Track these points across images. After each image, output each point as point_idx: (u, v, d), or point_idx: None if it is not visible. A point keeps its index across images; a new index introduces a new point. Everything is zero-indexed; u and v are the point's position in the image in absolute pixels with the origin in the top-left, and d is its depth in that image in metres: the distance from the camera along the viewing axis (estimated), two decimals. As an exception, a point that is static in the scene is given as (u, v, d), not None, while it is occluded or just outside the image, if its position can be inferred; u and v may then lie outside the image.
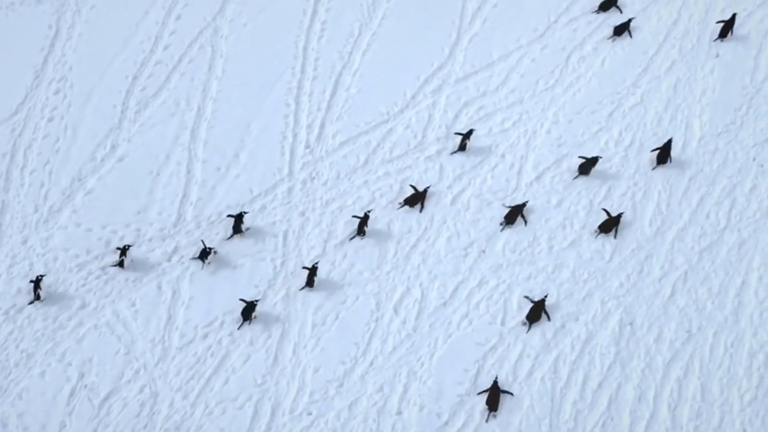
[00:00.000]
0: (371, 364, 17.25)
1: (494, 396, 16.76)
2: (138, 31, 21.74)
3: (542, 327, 17.65)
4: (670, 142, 19.67)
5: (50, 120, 20.35)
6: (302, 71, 21.15)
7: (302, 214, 19.04)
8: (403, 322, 17.70)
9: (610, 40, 21.74)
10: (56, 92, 20.77)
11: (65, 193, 19.29)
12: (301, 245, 18.64)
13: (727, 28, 21.60)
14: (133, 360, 17.24)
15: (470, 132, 19.87)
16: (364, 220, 18.65)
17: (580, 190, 19.37)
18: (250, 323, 17.61)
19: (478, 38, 21.79)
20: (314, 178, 19.52)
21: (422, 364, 17.24)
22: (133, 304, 17.88)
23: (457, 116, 20.50)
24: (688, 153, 19.85)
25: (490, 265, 18.40)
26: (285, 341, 17.50)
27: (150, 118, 20.38)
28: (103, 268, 18.14)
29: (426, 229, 18.85)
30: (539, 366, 17.20)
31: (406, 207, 19.02)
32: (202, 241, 18.36)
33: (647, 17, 22.11)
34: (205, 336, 17.54)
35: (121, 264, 18.12)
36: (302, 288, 18.05)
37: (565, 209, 19.11)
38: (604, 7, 22.24)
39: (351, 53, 21.48)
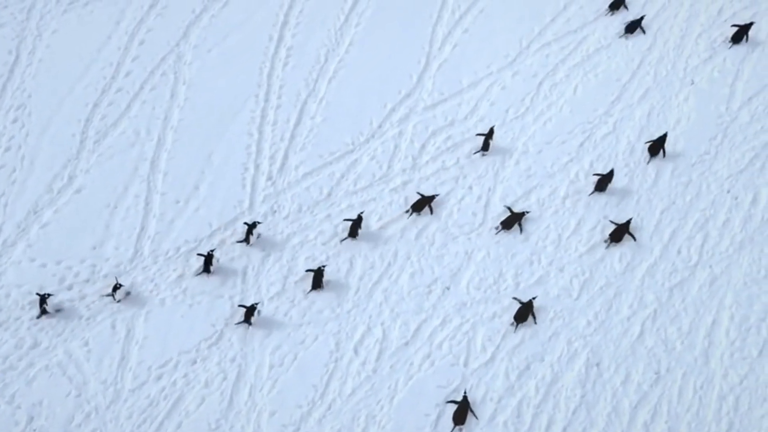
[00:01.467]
0: (329, 407, 16.72)
1: (462, 411, 16.36)
2: (99, 57, 21.23)
3: (506, 367, 17.12)
4: (665, 135, 19.44)
5: (7, 150, 19.83)
6: (266, 99, 20.62)
7: (262, 249, 18.51)
8: (363, 363, 17.18)
9: (623, 38, 21.54)
10: (14, 121, 20.25)
11: (20, 226, 18.77)
12: (260, 282, 18.11)
13: (742, 33, 21.20)
14: (84, 403, 16.72)
15: (491, 130, 19.52)
16: (357, 222, 18.36)
17: (548, 224, 18.84)
18: (249, 326, 17.44)
19: (448, 64, 21.26)
20: (275, 211, 19.00)
21: (381, 408, 16.71)
22: (86, 344, 17.36)
23: (424, 146, 19.97)
24: (660, 185, 19.31)
25: (454, 303, 17.87)
26: (241, 383, 16.98)
27: (109, 148, 19.86)
28: (57, 310, 17.65)
29: (389, 265, 18.32)
30: (502, 410, 16.67)
31: (414, 214, 18.88)
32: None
33: (622, 43, 21.57)
34: (159, 377, 17.02)
35: (116, 289, 17.74)
36: (309, 291, 17.78)
37: (533, 244, 18.58)
38: (613, 7, 21.99)
39: (317, 80, 20.95)
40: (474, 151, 19.78)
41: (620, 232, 18.54)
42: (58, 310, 17.66)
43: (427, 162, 19.71)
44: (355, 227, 18.48)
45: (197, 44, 21.49)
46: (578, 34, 21.74)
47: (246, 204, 19.08)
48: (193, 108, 20.45)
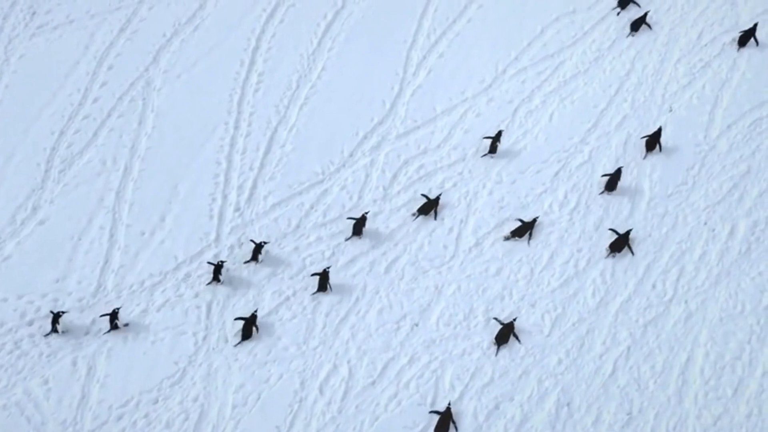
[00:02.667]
0: (292, 449, 16.37)
1: (444, 423, 16.22)
2: (67, 83, 20.82)
3: (474, 407, 16.73)
4: (660, 130, 19.38)
5: (-29, 179, 19.47)
6: (236, 126, 20.22)
7: (228, 283, 18.11)
8: (328, 403, 16.78)
9: (629, 37, 21.47)
10: (-22, 149, 19.90)
11: (-18, 259, 18.41)
12: (225, 317, 17.72)
13: (748, 36, 21.02)
14: (42, 444, 16.36)
15: (500, 133, 19.41)
16: (360, 221, 18.27)
17: (521, 257, 18.44)
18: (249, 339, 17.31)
19: (422, 90, 20.86)
20: (242, 243, 18.59)
21: (346, 450, 16.36)
22: (46, 382, 16.96)
23: (395, 176, 19.57)
24: (636, 217, 18.91)
25: (423, 339, 17.47)
26: (203, 423, 16.58)
27: (74, 178, 19.45)
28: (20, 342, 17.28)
29: (357, 300, 17.93)
30: (469, 452, 16.32)
31: (417, 215, 18.81)
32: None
33: (600, 68, 21.18)
34: (120, 417, 16.62)
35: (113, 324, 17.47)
36: (314, 293, 17.70)
37: (504, 278, 18.19)
38: (622, 4, 21.89)
39: (288, 107, 20.55)
40: (482, 155, 19.60)
41: (620, 243, 18.21)
42: (64, 332, 17.39)
43: (398, 192, 19.31)
44: (359, 226, 18.33)
45: (167, 69, 21.09)
46: (555, 59, 21.34)
47: (212, 236, 18.68)
48: (161, 136, 20.05)
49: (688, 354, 17.28)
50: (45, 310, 17.68)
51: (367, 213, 18.53)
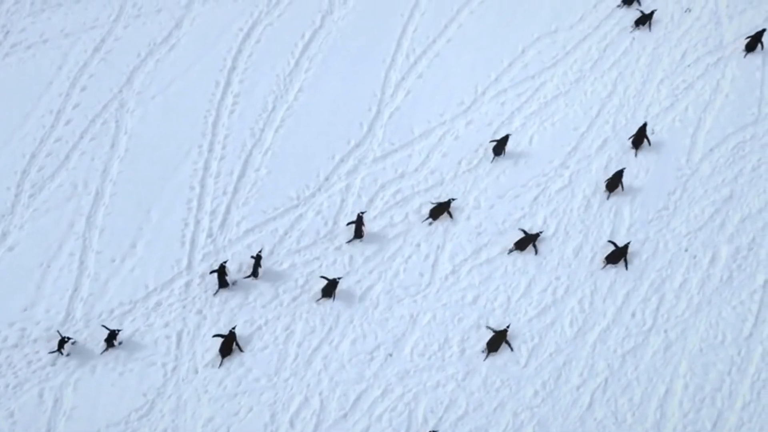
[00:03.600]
0: (261, 485, 16.02)
1: None
2: (40, 104, 20.46)
3: (449, 442, 16.43)
4: (645, 126, 19.45)
5: (-61, 204, 19.13)
6: (210, 149, 19.87)
7: (199, 312, 17.77)
8: (299, 437, 16.46)
9: (633, 33, 21.40)
10: (-52, 172, 19.55)
11: (-51, 286, 18.07)
12: (195, 347, 17.37)
13: (756, 41, 20.91)
14: (6, 479, 16.03)
15: (506, 137, 19.39)
16: (358, 222, 18.22)
17: (498, 285, 18.09)
18: (226, 359, 17.10)
19: (400, 112, 20.51)
20: (214, 271, 18.21)
21: (317, 485, 16.02)
22: (11, 415, 16.61)
23: (372, 200, 19.22)
24: (617, 242, 18.54)
25: (397, 371, 17.12)
26: (171, 458, 16.27)
27: (45, 203, 19.09)
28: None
29: (330, 329, 17.57)
30: (442, 488, 15.97)
31: (430, 221, 18.76)
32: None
33: (581, 89, 20.83)
34: (86, 452, 16.31)
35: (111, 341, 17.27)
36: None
37: (481, 306, 17.84)
38: (627, 1, 21.96)
39: (263, 129, 20.20)
40: (491, 160, 19.48)
41: (618, 255, 18.02)
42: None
43: (374, 217, 18.96)
44: (358, 227, 18.25)
45: (141, 90, 20.73)
46: (536, 80, 20.99)
47: (184, 263, 18.32)
48: (133, 159, 19.70)
49: (666, 386, 16.94)
50: (12, 340, 17.34)
51: (363, 213, 18.40)
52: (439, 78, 21.04)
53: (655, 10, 21.63)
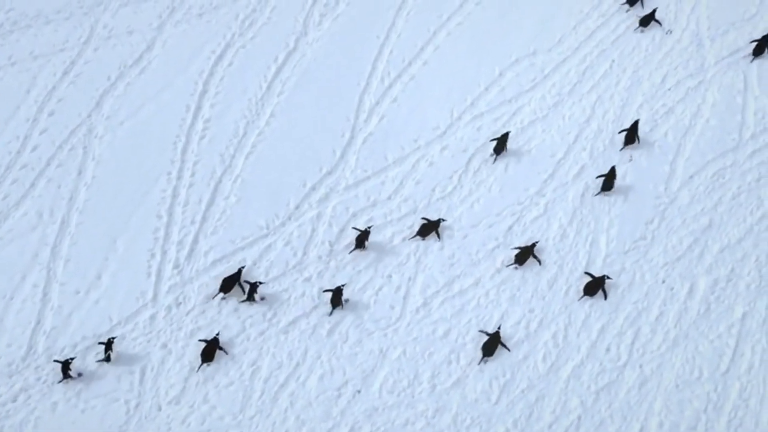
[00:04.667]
0: None
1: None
2: (6, 130, 20.07)
3: (417, 482, 16.02)
4: (636, 123, 19.37)
5: None
6: (179, 177, 19.46)
7: (164, 346, 17.37)
8: (263, 478, 16.07)
9: (637, 32, 21.37)
10: None
11: None
12: (159, 383, 16.97)
13: (763, 45, 20.75)
14: None
15: (506, 135, 19.31)
16: (364, 234, 18.14)
17: (469, 318, 17.69)
18: (209, 365, 16.92)
19: (373, 138, 20.10)
20: (180, 303, 17.83)
21: None
22: (-31, 454, 16.26)
23: (342, 230, 18.81)
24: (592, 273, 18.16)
25: (365, 408, 16.71)
26: (132, 499, 15.88)
27: (9, 232, 18.70)
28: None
29: (298, 365, 17.17)
30: None
31: (418, 238, 18.53)
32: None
33: (559, 114, 20.42)
34: (45, 492, 15.92)
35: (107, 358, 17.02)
36: (330, 313, 17.57)
37: (452, 341, 17.43)
38: (631, 1, 21.83)
39: (233, 156, 19.79)
40: (493, 160, 19.45)
41: (595, 286, 17.65)
42: (80, 374, 16.95)
43: (345, 247, 18.55)
44: (361, 239, 18.14)
45: (110, 115, 20.33)
46: (513, 104, 20.59)
47: (149, 295, 17.92)
48: (100, 187, 19.30)
49: (641, 424, 16.53)
50: (-28, 375, 16.96)
51: (370, 227, 18.33)
52: (414, 102, 20.65)
53: (656, 8, 21.51)
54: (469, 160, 19.74)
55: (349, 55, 21.35)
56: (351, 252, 18.27)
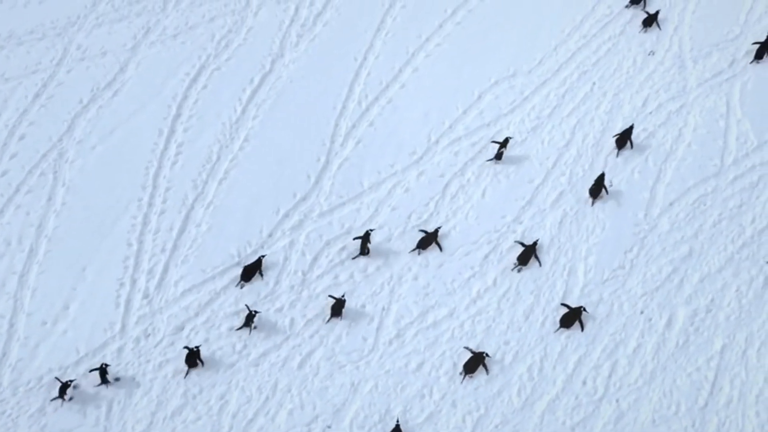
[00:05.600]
0: None
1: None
2: (-24, 154, 19.77)
3: None
4: (631, 127, 19.42)
5: None
6: (150, 204, 19.11)
7: (132, 379, 17.02)
8: None
9: (640, 32, 21.42)
10: None
11: None
12: (126, 418, 16.62)
13: (765, 48, 20.66)
14: None
15: (506, 140, 19.30)
16: (365, 238, 18.12)
17: (444, 350, 17.34)
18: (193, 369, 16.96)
19: (349, 163, 19.75)
20: (149, 335, 17.49)
21: None
22: (-69, 491, 15.92)
23: (316, 258, 18.47)
24: (570, 304, 17.80)
25: (335, 444, 16.41)
26: None
27: (-24, 260, 18.40)
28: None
29: (267, 399, 16.82)
30: None
31: (419, 250, 18.45)
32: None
33: (538, 138, 20.08)
34: None
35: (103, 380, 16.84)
36: (328, 320, 17.52)
37: (425, 374, 17.09)
38: (635, 1, 21.94)
39: (206, 182, 19.44)
40: (487, 159, 19.38)
41: (572, 317, 17.35)
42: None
43: (318, 277, 18.22)
44: (364, 244, 18.13)
45: (82, 139, 19.99)
46: (491, 128, 20.25)
47: (117, 327, 17.58)
48: (70, 214, 18.95)
49: (616, 461, 16.23)
50: (-65, 410, 16.63)
51: (371, 230, 18.22)
52: (391, 126, 20.31)
53: (659, 10, 21.47)
54: (446, 186, 19.40)
55: (325, 78, 21.01)
56: (354, 258, 18.19)
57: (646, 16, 21.56)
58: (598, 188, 18.87)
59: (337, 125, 20.31)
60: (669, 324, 17.58)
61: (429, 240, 18.36)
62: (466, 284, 18.13)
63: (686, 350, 17.28)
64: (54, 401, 16.51)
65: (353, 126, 20.31)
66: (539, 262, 18.05)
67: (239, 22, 21.90)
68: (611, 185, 19.31)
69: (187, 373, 16.84)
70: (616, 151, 19.44)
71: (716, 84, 20.77)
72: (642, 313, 17.73)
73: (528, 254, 18.10)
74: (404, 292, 18.03)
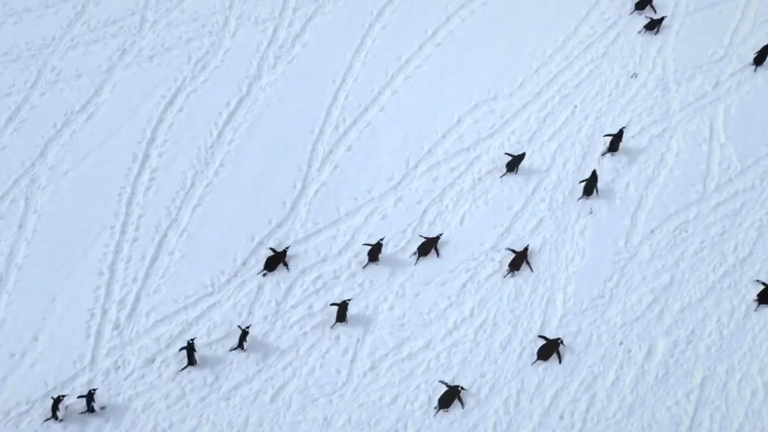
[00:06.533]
0: None
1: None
2: (-53, 181, 19.47)
3: None
4: (622, 131, 19.40)
5: None
6: (122, 231, 18.79)
7: (100, 413, 16.68)
8: None
9: (640, 34, 21.50)
10: None
11: None
12: (94, 453, 16.35)
13: (765, 53, 20.62)
14: None
15: (522, 155, 19.30)
16: (376, 247, 18.08)
17: (419, 383, 17.02)
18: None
19: (326, 189, 19.44)
20: (119, 367, 17.17)
21: None
22: None
23: (290, 288, 18.15)
24: (548, 335, 17.47)
25: (306, 481, 16.11)
26: None
27: (-55, 290, 18.08)
28: None
29: (238, 433, 16.54)
30: None
31: (418, 257, 18.43)
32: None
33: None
34: None
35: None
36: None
37: (400, 407, 16.77)
38: (640, 6, 21.95)
39: (180, 208, 19.12)
40: (501, 175, 19.32)
41: (549, 349, 17.08)
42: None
43: (292, 306, 17.90)
44: (375, 253, 18.08)
45: (54, 165, 19.67)
46: (470, 152, 19.94)
47: (87, 358, 17.25)
48: (41, 242, 18.63)
49: (593, 498, 15.92)
50: None
51: (382, 239, 18.19)
52: (369, 150, 20.00)
53: (665, 16, 21.44)
54: (424, 213, 19.09)
55: (303, 100, 20.71)
56: (365, 266, 18.13)
57: (649, 20, 21.62)
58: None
59: (314, 150, 20.00)
60: (648, 355, 17.27)
61: (429, 246, 18.30)
62: (443, 315, 17.82)
63: (666, 383, 16.97)
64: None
65: (330, 151, 19.99)
66: (531, 268, 17.86)
67: (216, 44, 21.60)
68: (591, 212, 19.00)
69: (183, 369, 17.04)
70: (605, 152, 19.61)
71: (700, 107, 20.47)
72: (621, 344, 17.42)
73: (519, 260, 17.97)
74: (380, 323, 17.72)
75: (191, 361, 17.00)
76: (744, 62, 20.93)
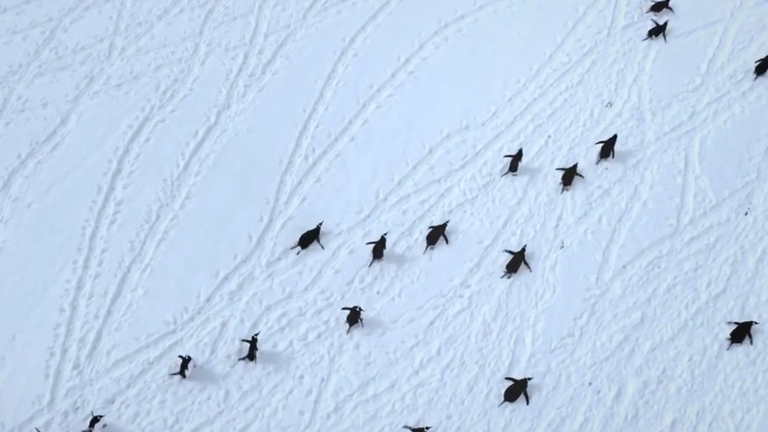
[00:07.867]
0: None
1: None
2: None
3: None
4: (615, 137, 19.53)
5: None
6: (85, 266, 18.45)
7: (60, 455, 16.42)
8: None
9: (645, 42, 21.39)
10: None
11: None
12: (50, 498, 16.03)
13: (766, 65, 20.59)
14: None
15: (520, 152, 19.30)
16: (380, 243, 18.11)
17: (383, 426, 16.70)
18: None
19: (293, 222, 19.10)
20: (78, 408, 16.85)
21: None
22: None
23: (255, 325, 17.83)
24: (515, 375, 17.13)
25: None
26: None
27: None
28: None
29: (197, 478, 16.21)
30: None
31: (428, 246, 18.56)
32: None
33: (489, 195, 19.42)
34: None
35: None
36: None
37: (363, 451, 16.48)
38: (656, 8, 21.98)
39: (144, 242, 18.79)
40: (502, 173, 19.26)
41: (517, 390, 16.81)
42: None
43: (259, 343, 17.56)
44: (379, 249, 18.17)
45: (18, 197, 19.34)
46: (441, 184, 19.60)
47: (46, 399, 16.93)
48: (2, 277, 18.29)
49: None
50: None
51: (386, 234, 18.29)
52: (338, 182, 19.66)
53: (668, 21, 21.36)
54: (393, 246, 18.73)
55: (272, 130, 20.38)
56: (370, 265, 18.20)
57: (654, 25, 21.56)
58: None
59: (282, 181, 19.67)
60: (618, 396, 16.94)
61: (437, 234, 18.39)
62: (409, 353, 17.49)
63: (635, 425, 16.65)
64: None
65: (299, 182, 19.66)
66: (530, 268, 17.77)
67: (186, 71, 21.27)
68: (562, 247, 18.68)
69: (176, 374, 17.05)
70: (597, 159, 19.61)
71: (675, 137, 20.14)
72: (590, 384, 17.10)
73: (517, 261, 17.81)
74: (344, 362, 17.39)
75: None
76: (721, 92, 20.59)
